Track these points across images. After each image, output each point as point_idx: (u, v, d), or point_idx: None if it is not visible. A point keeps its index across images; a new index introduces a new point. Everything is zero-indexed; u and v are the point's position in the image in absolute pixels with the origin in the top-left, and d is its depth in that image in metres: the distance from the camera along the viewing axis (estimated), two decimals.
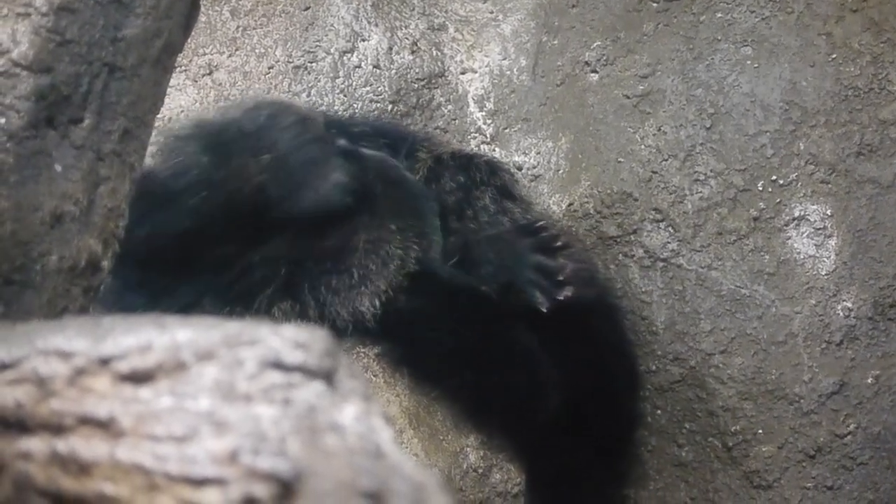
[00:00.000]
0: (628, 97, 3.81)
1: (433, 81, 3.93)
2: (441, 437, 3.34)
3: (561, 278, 3.35)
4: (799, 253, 3.61)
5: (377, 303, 3.28)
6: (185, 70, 3.81)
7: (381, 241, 3.29)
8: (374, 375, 3.32)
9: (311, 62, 3.86)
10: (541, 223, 3.45)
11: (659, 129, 3.75)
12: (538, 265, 3.35)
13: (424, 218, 3.42)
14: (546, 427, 3.45)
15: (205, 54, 3.86)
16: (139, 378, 1.40)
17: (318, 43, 3.87)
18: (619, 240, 3.72)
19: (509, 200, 3.61)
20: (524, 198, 3.69)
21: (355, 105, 3.81)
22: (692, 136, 3.72)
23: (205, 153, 3.34)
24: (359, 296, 3.26)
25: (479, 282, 3.36)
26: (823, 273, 3.59)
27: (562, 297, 3.32)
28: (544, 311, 3.31)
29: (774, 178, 3.65)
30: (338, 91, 3.84)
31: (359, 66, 3.86)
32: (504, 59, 3.97)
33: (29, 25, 1.99)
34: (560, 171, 3.84)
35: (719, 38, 3.78)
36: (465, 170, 3.61)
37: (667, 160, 3.72)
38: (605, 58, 3.86)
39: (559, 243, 3.39)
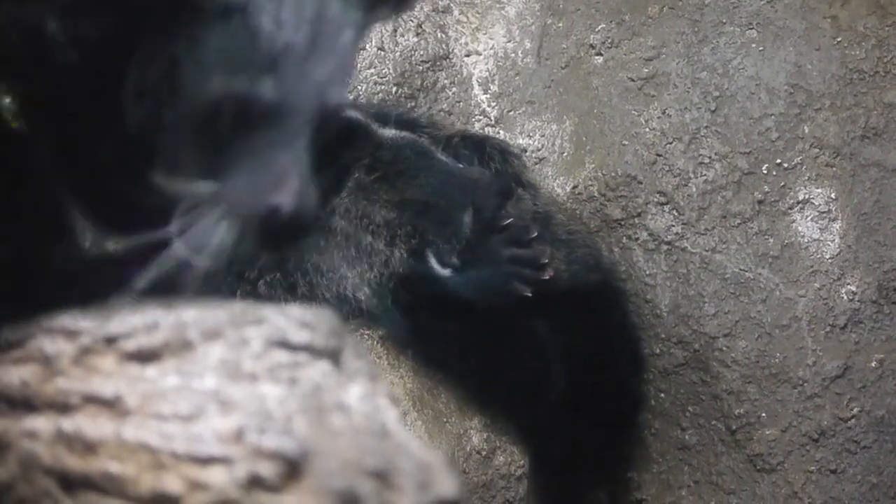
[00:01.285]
0: (633, 80, 3.80)
1: (437, 64, 3.92)
2: (445, 420, 3.35)
3: (545, 261, 3.35)
4: (803, 236, 3.61)
5: (367, 291, 3.27)
6: None
7: (361, 228, 3.27)
8: (379, 357, 3.32)
9: None
10: (509, 220, 3.44)
11: (664, 112, 3.74)
12: (513, 258, 3.35)
13: (432, 216, 3.37)
14: (549, 410, 3.46)
15: None
16: (145, 357, 1.40)
17: None
18: (623, 223, 3.71)
19: (520, 187, 3.59)
20: (532, 183, 3.67)
21: (359, 87, 3.80)
22: (697, 119, 3.71)
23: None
24: (343, 280, 3.25)
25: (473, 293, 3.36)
26: (828, 256, 3.58)
27: (546, 278, 3.33)
28: (529, 295, 3.31)
29: (779, 161, 3.65)
30: None
31: (363, 49, 3.85)
32: (509, 41, 3.96)
33: None
34: (564, 154, 3.83)
35: (724, 21, 3.77)
36: (479, 158, 3.58)
37: (671, 143, 3.71)
38: (609, 40, 3.85)
39: (533, 234, 3.38)
